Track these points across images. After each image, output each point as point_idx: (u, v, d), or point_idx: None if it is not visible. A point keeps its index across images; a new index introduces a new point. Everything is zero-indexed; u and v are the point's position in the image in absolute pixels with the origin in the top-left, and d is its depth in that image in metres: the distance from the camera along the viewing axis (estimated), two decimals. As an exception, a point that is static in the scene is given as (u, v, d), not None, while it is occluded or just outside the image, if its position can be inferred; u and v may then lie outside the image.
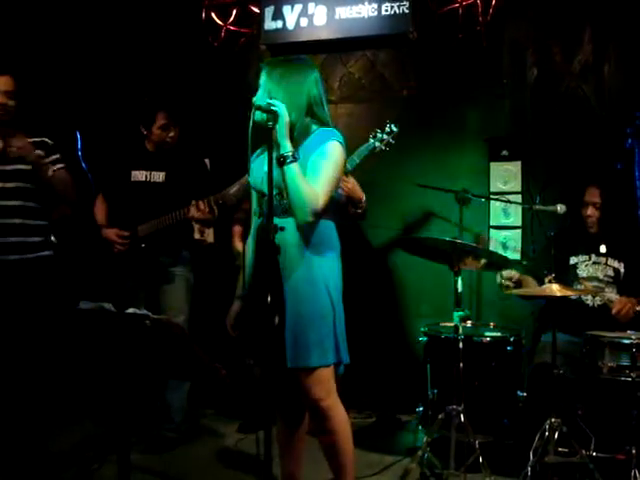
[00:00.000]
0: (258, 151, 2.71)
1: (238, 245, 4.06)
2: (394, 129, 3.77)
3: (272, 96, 2.53)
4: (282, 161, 2.46)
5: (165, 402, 3.84)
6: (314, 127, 2.61)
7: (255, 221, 2.67)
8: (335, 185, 2.57)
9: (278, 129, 2.47)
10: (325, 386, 2.57)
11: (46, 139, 3.47)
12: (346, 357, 2.60)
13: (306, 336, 2.51)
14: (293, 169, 2.46)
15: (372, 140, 3.74)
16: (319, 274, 2.56)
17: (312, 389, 2.55)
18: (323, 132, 2.60)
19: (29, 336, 3.20)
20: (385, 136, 3.76)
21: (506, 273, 3.50)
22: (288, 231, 2.52)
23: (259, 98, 2.56)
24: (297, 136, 2.56)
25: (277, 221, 2.43)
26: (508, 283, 3.49)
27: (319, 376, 2.55)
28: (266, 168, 2.38)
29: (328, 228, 2.62)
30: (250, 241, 2.73)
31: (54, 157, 3.44)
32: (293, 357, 2.51)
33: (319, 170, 2.52)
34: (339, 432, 2.62)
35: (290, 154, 2.46)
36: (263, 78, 2.62)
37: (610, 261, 3.58)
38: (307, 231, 2.55)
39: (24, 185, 3.37)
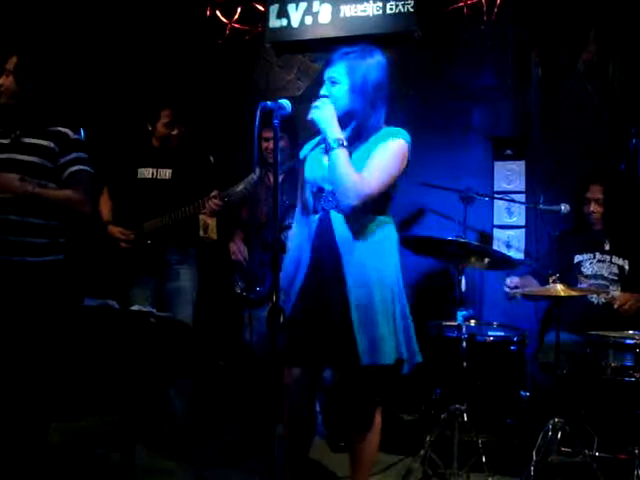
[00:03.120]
0: (313, 143, 2.65)
1: (232, 246, 4.06)
2: None
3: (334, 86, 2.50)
4: (328, 147, 2.42)
5: (169, 399, 3.85)
6: (381, 126, 2.54)
7: (313, 218, 2.58)
8: (390, 179, 2.50)
9: (320, 119, 2.42)
10: (375, 385, 2.57)
11: (66, 130, 3.07)
12: (406, 354, 2.51)
13: (373, 333, 2.44)
14: (339, 155, 2.40)
15: None
16: (382, 270, 2.53)
17: (364, 388, 2.54)
18: (390, 130, 2.54)
19: (34, 334, 3.17)
20: None
21: (508, 281, 3.49)
22: (351, 225, 2.49)
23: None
24: (361, 133, 2.51)
25: (333, 216, 2.49)
26: (514, 292, 3.46)
27: (374, 375, 2.53)
28: (324, 163, 2.40)
29: (389, 225, 2.63)
30: (297, 238, 2.67)
31: (71, 157, 3.05)
32: (364, 355, 2.43)
33: (373, 158, 2.45)
34: (373, 432, 2.63)
35: (336, 140, 2.39)
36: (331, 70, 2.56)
37: (615, 259, 3.58)
38: (367, 225, 2.52)
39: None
